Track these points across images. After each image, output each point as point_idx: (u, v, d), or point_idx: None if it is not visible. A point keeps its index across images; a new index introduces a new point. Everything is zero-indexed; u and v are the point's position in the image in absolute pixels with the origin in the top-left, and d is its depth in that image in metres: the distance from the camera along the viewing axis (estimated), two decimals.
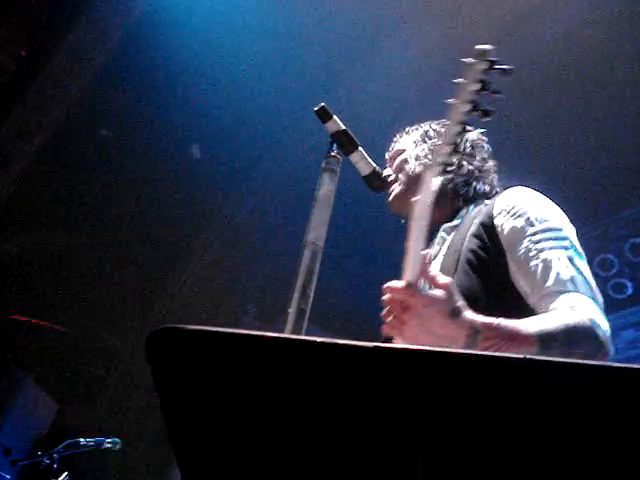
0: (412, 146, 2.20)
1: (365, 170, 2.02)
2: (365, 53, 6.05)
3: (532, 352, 1.54)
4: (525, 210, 1.84)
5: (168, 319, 6.89)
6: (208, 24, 5.83)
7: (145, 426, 7.08)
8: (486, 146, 2.17)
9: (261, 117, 6.23)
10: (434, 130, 2.19)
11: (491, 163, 2.16)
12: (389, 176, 2.18)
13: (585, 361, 0.96)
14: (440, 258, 1.94)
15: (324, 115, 1.98)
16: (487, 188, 2.10)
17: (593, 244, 6.00)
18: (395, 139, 2.30)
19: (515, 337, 1.55)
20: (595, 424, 0.95)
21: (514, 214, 1.84)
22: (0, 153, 6.12)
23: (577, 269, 1.74)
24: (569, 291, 1.69)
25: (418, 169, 2.12)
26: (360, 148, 2.00)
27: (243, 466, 1.06)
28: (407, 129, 2.29)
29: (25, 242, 6.56)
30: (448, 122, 1.58)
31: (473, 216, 1.96)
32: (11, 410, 6.35)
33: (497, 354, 0.96)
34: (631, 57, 5.53)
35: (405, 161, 2.19)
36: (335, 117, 1.98)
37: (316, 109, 1.98)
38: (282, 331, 1.67)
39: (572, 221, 1.88)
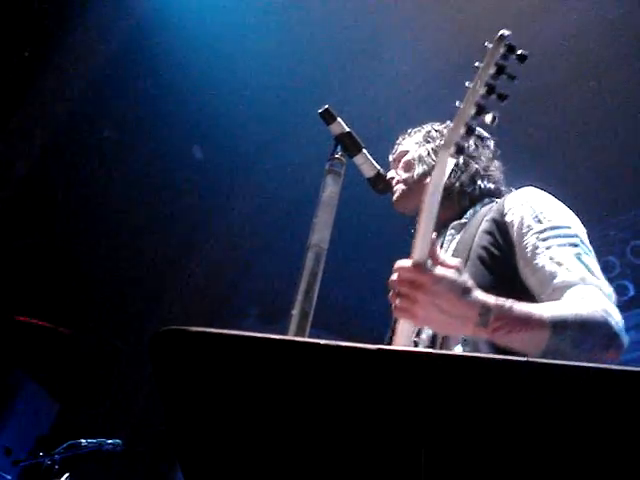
0: (415, 147, 2.22)
1: (369, 172, 2.03)
2: (369, 54, 6.04)
3: (544, 337, 1.53)
4: (535, 208, 1.85)
5: (170, 321, 6.89)
6: (210, 24, 5.83)
7: (147, 428, 7.07)
8: (492, 147, 2.19)
9: (264, 118, 6.23)
10: (436, 131, 2.21)
11: (497, 163, 2.18)
12: (393, 178, 2.19)
13: (586, 364, 0.96)
14: (450, 254, 1.94)
15: (328, 117, 1.98)
16: (493, 187, 2.12)
17: (595, 246, 5.98)
18: (398, 141, 2.31)
19: (527, 321, 1.54)
20: (596, 426, 0.95)
21: (524, 212, 1.85)
22: (3, 153, 6.12)
23: (586, 265, 1.74)
24: (578, 284, 1.69)
25: (421, 169, 2.14)
26: (364, 150, 2.00)
27: (247, 468, 1.06)
28: (409, 131, 2.30)
29: (27, 244, 6.56)
30: (463, 104, 1.58)
31: (483, 214, 1.97)
32: (13, 411, 6.35)
33: (498, 357, 0.96)
34: (634, 57, 5.53)
35: (409, 162, 2.21)
36: (339, 119, 1.98)
37: (320, 111, 1.98)
38: (285, 333, 1.67)
39: None
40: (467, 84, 1.60)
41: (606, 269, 5.98)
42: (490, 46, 1.57)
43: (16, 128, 6.08)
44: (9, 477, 5.59)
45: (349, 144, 1.96)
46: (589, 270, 1.74)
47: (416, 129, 2.28)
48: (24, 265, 6.56)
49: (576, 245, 1.79)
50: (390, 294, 1.57)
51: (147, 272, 7.10)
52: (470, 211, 2.07)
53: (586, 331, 1.58)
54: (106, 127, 6.41)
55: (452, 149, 1.58)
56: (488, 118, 1.55)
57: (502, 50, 1.56)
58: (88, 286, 6.87)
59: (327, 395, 0.99)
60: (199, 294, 7.53)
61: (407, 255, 1.56)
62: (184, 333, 1.00)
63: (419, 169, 2.15)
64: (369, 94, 6.17)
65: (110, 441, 4.47)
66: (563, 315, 1.58)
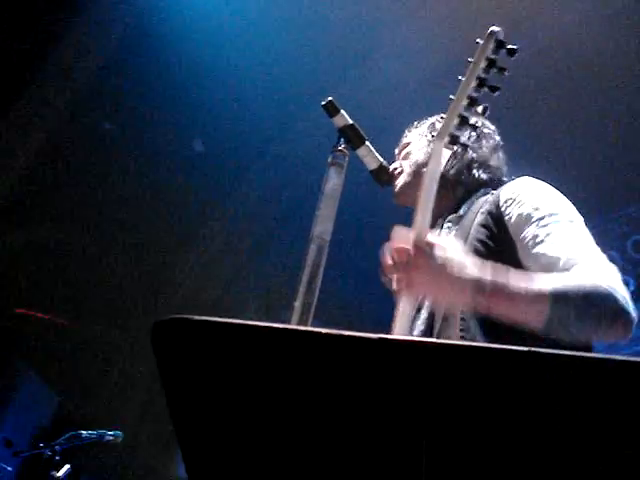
0: (418, 138, 2.20)
1: (372, 164, 2.02)
2: (371, 46, 6.04)
3: (544, 309, 1.52)
4: (531, 197, 1.84)
5: (170, 312, 6.88)
6: (210, 18, 5.82)
7: (147, 419, 7.09)
8: (496, 137, 2.16)
9: (266, 111, 6.22)
10: (440, 122, 2.20)
11: (501, 155, 2.15)
12: (396, 169, 2.19)
13: (589, 354, 0.96)
14: None
15: (332, 109, 1.97)
16: (488, 177, 2.08)
17: (595, 241, 5.99)
18: (405, 134, 2.30)
19: (525, 291, 1.53)
20: (599, 417, 0.95)
21: (520, 201, 1.83)
22: (2, 149, 6.12)
23: (589, 247, 1.73)
24: (582, 263, 1.66)
25: (420, 159, 2.12)
26: (367, 142, 1.99)
27: (249, 458, 1.06)
28: (415, 123, 2.29)
29: (27, 236, 6.56)
30: (456, 96, 1.63)
31: (479, 205, 1.95)
32: (13, 403, 6.37)
33: (501, 347, 0.96)
34: (633, 54, 5.52)
35: (410, 153, 2.19)
36: (342, 111, 1.97)
37: (323, 103, 1.97)
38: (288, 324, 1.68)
39: None
40: (460, 78, 1.65)
41: None
42: (481, 42, 1.62)
43: (16, 121, 6.07)
44: (10, 468, 5.62)
45: (352, 136, 1.96)
46: (592, 251, 1.71)
47: (422, 121, 2.27)
48: (24, 258, 6.56)
49: (576, 229, 1.77)
50: (386, 265, 1.61)
51: (147, 264, 7.11)
52: (467, 202, 2.04)
53: (590, 304, 1.55)
54: (106, 120, 6.40)
55: (446, 139, 1.63)
56: (480, 109, 1.60)
57: (492, 45, 1.61)
58: (88, 279, 6.88)
59: (328, 384, 0.99)
60: (200, 285, 7.54)
61: None
62: (188, 322, 1.00)
63: (418, 159, 2.13)
64: (374, 87, 6.16)
65: (111, 432, 4.47)
66: (565, 286, 1.56)
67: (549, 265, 1.69)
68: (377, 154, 2.03)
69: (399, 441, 0.99)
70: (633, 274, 6.09)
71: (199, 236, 7.50)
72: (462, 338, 1.72)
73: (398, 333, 1.67)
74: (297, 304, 1.71)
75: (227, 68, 6.01)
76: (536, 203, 1.81)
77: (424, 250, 1.55)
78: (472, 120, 1.69)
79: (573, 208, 1.87)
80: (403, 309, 1.66)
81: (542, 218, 1.78)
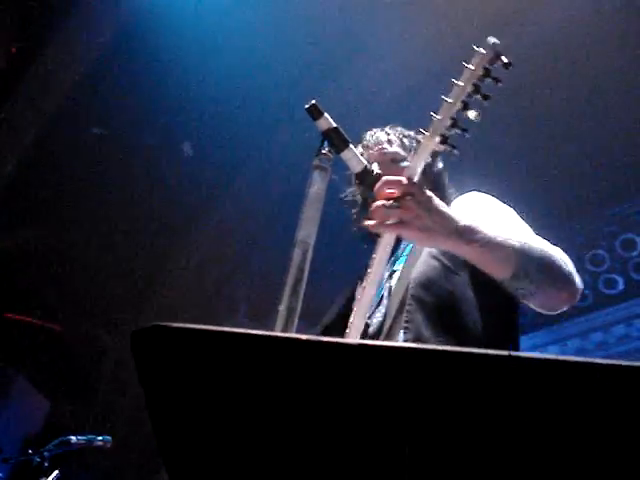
0: (398, 142, 2.24)
1: (357, 167, 2.02)
2: (356, 50, 6.05)
3: (512, 257, 1.67)
4: (479, 208, 1.96)
5: (160, 317, 6.88)
6: (199, 21, 5.83)
7: (137, 424, 7.07)
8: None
9: (252, 114, 6.23)
10: (408, 137, 2.27)
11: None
12: (380, 174, 2.17)
13: (571, 358, 0.96)
14: (415, 259, 1.97)
15: (315, 112, 1.96)
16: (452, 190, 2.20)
17: (584, 240, 6.04)
18: (376, 134, 2.30)
19: (498, 242, 1.67)
20: (581, 421, 0.95)
21: (472, 215, 1.87)
22: None
23: (536, 235, 1.84)
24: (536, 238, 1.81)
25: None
26: (351, 145, 1.99)
27: (230, 465, 1.06)
28: (384, 129, 2.31)
29: (15, 240, 6.54)
30: (452, 99, 1.68)
31: None
32: (3, 408, 6.34)
33: (482, 351, 0.96)
34: (621, 51, 5.54)
35: (394, 160, 2.21)
36: (326, 114, 1.96)
37: (307, 106, 1.96)
38: (272, 329, 1.67)
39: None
40: (454, 81, 1.68)
41: (595, 263, 6.07)
42: (480, 50, 1.67)
43: (4, 123, 6.05)
44: (0, 474, 5.59)
45: (336, 139, 1.95)
46: (542, 238, 1.83)
47: (389, 128, 2.31)
48: (11, 262, 6.53)
49: (522, 226, 1.92)
50: (376, 206, 1.63)
51: (137, 268, 7.09)
52: None
53: (550, 261, 1.72)
54: (95, 123, 6.39)
55: (437, 139, 1.67)
56: (472, 115, 1.64)
57: (490, 56, 1.67)
58: (78, 282, 6.86)
59: (309, 391, 0.99)
60: (189, 290, 7.53)
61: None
62: (166, 329, 0.99)
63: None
64: (358, 91, 6.18)
65: (100, 437, 4.46)
66: (529, 242, 1.73)
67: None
68: (361, 157, 2.03)
69: (381, 447, 0.99)
70: (622, 273, 6.12)
71: (187, 241, 7.50)
72: (406, 329, 1.80)
73: (356, 323, 1.80)
74: (282, 308, 1.71)
75: (216, 72, 6.02)
76: (482, 213, 1.92)
77: (423, 187, 1.62)
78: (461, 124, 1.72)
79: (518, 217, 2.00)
80: (357, 312, 1.78)
81: (496, 223, 1.85)
